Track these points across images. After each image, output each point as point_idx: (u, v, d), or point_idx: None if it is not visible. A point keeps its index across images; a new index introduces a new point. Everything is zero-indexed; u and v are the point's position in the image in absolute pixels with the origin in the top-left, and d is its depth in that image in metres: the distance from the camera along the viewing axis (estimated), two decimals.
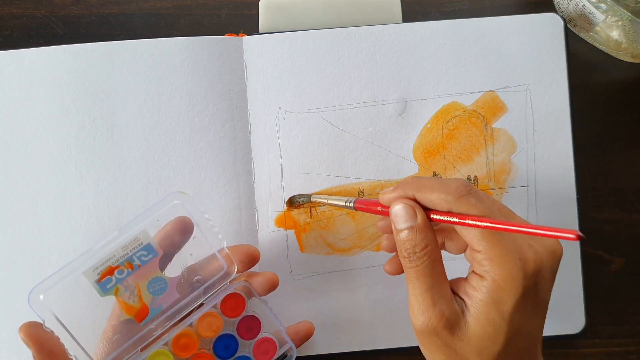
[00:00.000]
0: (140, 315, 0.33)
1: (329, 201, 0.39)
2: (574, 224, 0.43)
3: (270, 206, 0.42)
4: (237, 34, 0.44)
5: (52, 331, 0.30)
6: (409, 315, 0.30)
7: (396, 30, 0.42)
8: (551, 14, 0.43)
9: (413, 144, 0.42)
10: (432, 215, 0.30)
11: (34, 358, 0.31)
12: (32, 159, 0.40)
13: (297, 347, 0.36)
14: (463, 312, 0.29)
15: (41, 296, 0.30)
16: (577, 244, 0.43)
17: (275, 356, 0.35)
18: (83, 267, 0.31)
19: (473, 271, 0.30)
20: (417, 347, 0.43)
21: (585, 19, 0.45)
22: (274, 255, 0.42)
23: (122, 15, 0.47)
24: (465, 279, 0.30)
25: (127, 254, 0.32)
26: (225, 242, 0.34)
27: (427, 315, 0.29)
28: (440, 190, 0.29)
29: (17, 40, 0.46)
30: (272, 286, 0.36)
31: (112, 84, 0.41)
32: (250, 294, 0.35)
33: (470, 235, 0.29)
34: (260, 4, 0.44)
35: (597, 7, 0.44)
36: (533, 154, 0.43)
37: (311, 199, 0.40)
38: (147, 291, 0.33)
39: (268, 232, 0.42)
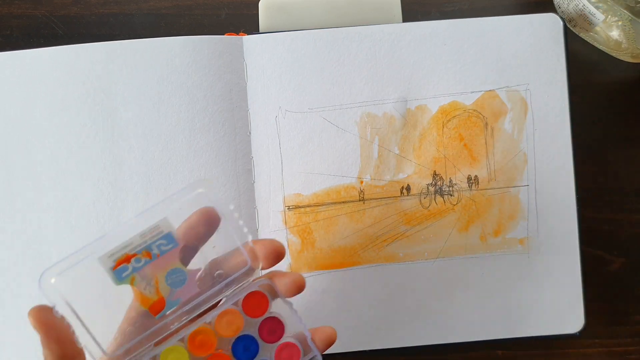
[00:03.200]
0: (156, 307, 0.31)
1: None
2: (574, 224, 0.43)
3: (270, 206, 0.42)
4: (237, 33, 0.44)
5: (62, 317, 0.29)
6: None
7: (396, 30, 0.42)
8: (551, 14, 0.43)
9: (413, 144, 0.42)
10: None
11: (41, 343, 0.29)
12: (32, 159, 0.40)
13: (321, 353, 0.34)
14: None
15: (53, 280, 0.28)
16: (577, 244, 0.43)
17: None
18: (98, 253, 0.29)
19: None
20: (417, 347, 0.43)
21: (585, 19, 0.45)
22: None
23: (122, 15, 0.47)
24: None
25: (146, 242, 0.30)
26: (250, 236, 0.32)
27: None
28: None
29: (17, 40, 0.46)
30: (299, 288, 0.33)
31: (112, 84, 0.41)
32: (274, 294, 0.33)
33: None
34: (260, 4, 0.44)
35: (597, 7, 0.44)
36: (533, 154, 0.43)
37: None
38: (164, 283, 0.30)
39: (268, 232, 0.42)
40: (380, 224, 0.42)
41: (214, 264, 0.32)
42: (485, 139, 0.43)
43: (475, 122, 0.43)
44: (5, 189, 0.40)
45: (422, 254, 0.43)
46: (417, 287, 0.43)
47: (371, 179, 0.42)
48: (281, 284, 0.33)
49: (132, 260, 0.30)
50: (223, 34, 0.43)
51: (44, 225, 0.40)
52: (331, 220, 0.42)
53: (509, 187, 0.43)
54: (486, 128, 0.43)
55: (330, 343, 0.34)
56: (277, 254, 0.33)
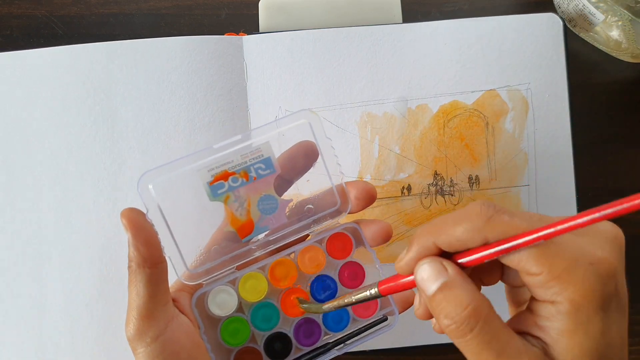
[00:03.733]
0: (243, 230, 0.30)
1: (348, 300, 0.29)
2: None
3: None
4: (237, 33, 0.44)
5: (152, 224, 0.28)
6: None
7: (396, 30, 0.42)
8: (550, 14, 0.43)
9: (414, 143, 0.42)
10: (467, 259, 0.24)
11: (128, 244, 0.28)
12: (33, 159, 0.40)
13: (399, 312, 0.33)
14: (547, 353, 0.23)
15: (150, 185, 0.28)
16: None
17: (375, 317, 0.32)
18: (198, 165, 0.29)
19: (535, 299, 0.24)
20: (417, 347, 0.43)
21: (585, 19, 0.45)
22: None
23: (122, 15, 0.47)
24: (527, 311, 0.25)
25: (245, 162, 0.29)
26: (344, 177, 0.31)
27: None
28: (464, 220, 0.24)
29: (17, 40, 0.46)
30: (385, 237, 0.32)
31: (113, 84, 0.41)
32: (358, 241, 0.32)
33: (521, 260, 0.23)
34: (260, 4, 0.44)
35: (597, 7, 0.44)
36: (534, 154, 0.43)
37: (324, 308, 0.31)
38: (256, 207, 0.30)
39: None
40: None
41: (305, 198, 0.32)
42: (486, 139, 0.43)
43: (476, 121, 0.43)
44: (5, 189, 0.40)
45: None
46: None
47: (372, 178, 0.42)
48: (368, 231, 0.32)
49: (230, 178, 0.29)
50: (223, 34, 0.43)
51: (44, 225, 0.40)
52: None
53: (509, 187, 0.43)
54: (487, 127, 0.43)
55: (409, 304, 0.33)
56: (369, 197, 0.32)
